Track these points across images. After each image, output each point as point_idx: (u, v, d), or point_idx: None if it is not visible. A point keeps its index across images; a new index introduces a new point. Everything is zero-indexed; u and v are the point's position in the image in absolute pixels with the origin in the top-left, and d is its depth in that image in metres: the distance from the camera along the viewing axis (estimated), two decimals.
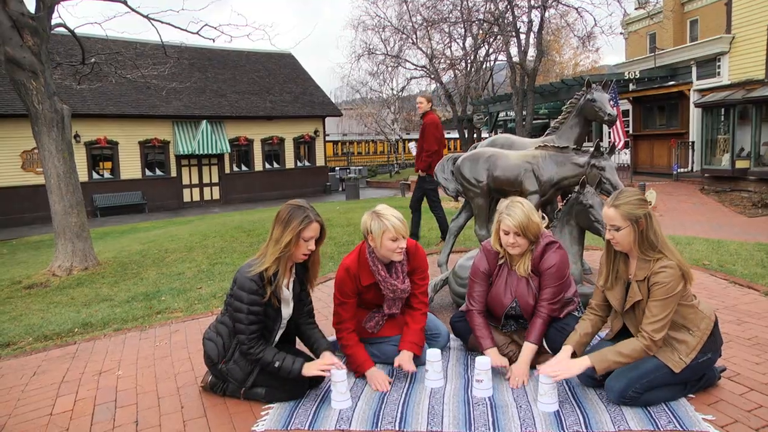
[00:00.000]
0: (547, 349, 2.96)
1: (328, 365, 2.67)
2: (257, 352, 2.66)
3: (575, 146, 4.45)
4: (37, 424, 2.71)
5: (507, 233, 2.88)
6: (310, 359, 2.81)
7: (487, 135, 23.68)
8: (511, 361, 2.98)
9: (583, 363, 2.51)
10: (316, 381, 2.85)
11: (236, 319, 2.67)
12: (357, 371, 2.96)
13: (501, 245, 2.96)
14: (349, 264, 3.01)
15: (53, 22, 7.47)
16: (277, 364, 2.64)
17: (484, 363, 2.71)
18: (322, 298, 4.67)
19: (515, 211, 2.86)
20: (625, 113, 18.56)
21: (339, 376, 2.64)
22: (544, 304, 2.91)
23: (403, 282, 3.04)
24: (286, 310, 2.84)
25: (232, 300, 2.69)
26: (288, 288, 2.84)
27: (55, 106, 7.08)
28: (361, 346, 2.99)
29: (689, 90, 16.07)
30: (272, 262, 2.62)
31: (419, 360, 3.02)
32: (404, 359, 2.91)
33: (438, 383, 2.83)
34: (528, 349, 2.89)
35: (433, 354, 2.83)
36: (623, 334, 2.72)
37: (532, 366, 2.89)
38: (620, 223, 2.50)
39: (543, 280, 2.93)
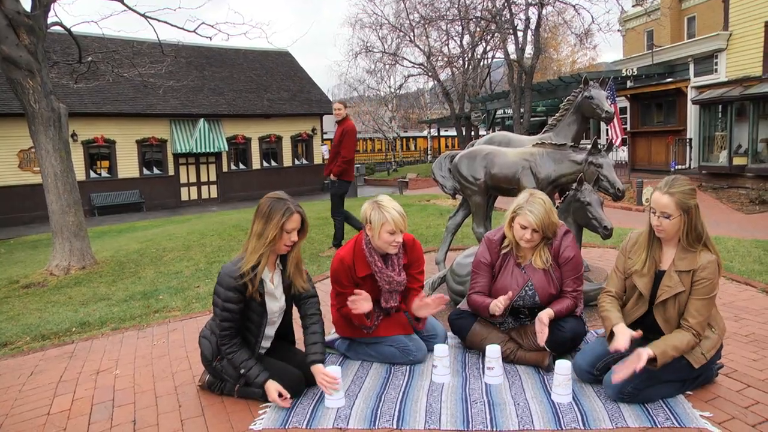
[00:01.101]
0: (546, 347, 2.95)
1: (281, 398, 2.58)
2: (229, 351, 2.67)
3: (573, 143, 4.45)
4: (34, 423, 2.70)
5: (525, 228, 2.86)
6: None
7: (484, 132, 23.70)
8: (508, 359, 2.98)
9: (647, 352, 2.37)
10: (314, 380, 2.84)
11: (214, 314, 2.70)
12: (363, 319, 2.99)
13: (512, 234, 2.95)
14: (343, 255, 3.02)
15: (49, 20, 7.46)
16: (242, 371, 2.66)
17: (494, 350, 2.75)
18: (321, 296, 4.66)
19: (537, 208, 2.83)
20: (623, 110, 18.55)
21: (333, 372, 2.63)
22: (574, 294, 2.94)
23: (399, 274, 3.05)
24: (274, 304, 2.80)
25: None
26: (272, 282, 2.80)
27: (52, 105, 7.06)
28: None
29: (687, 87, 16.07)
30: (256, 259, 2.61)
31: (424, 352, 3.08)
32: (421, 302, 2.97)
33: (446, 378, 2.86)
34: (549, 310, 2.83)
35: (440, 350, 2.85)
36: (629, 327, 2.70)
37: (541, 367, 2.91)
38: (672, 211, 2.44)
39: (565, 271, 2.94)
